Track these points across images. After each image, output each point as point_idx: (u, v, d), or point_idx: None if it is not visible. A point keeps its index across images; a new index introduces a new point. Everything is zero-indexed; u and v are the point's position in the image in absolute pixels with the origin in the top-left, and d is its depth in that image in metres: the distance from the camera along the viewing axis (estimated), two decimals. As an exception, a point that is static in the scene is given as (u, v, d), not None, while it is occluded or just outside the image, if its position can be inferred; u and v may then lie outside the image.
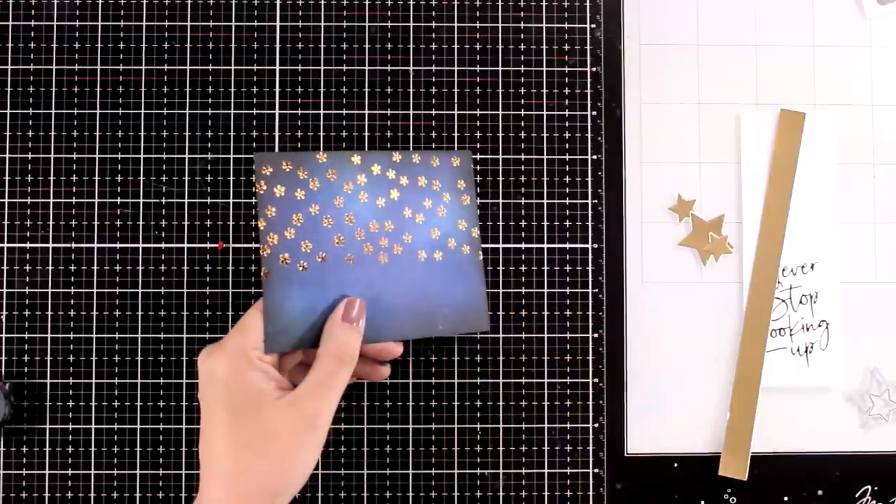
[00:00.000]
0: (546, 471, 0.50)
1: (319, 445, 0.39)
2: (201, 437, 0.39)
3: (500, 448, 0.50)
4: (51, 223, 0.50)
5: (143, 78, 0.50)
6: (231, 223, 0.50)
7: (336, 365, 0.40)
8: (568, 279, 0.50)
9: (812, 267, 0.50)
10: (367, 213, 0.43)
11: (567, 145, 0.51)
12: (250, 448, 0.38)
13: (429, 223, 0.45)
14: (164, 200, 0.50)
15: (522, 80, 0.51)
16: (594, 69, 0.51)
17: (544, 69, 0.51)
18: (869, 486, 0.50)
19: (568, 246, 0.50)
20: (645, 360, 0.50)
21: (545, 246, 0.50)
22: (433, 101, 0.51)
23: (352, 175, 0.43)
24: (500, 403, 0.50)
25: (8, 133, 0.50)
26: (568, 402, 0.50)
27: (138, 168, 0.50)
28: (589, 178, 0.51)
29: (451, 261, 0.45)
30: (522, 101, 0.51)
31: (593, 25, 0.51)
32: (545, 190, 0.50)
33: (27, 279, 0.50)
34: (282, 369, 0.42)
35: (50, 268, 0.50)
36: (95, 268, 0.50)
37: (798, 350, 0.50)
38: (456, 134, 0.50)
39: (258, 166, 0.41)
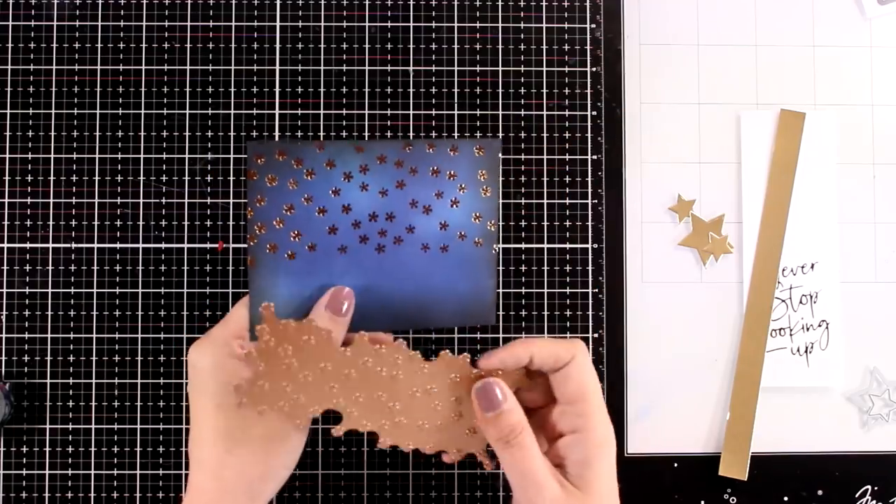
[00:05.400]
0: (546, 471, 0.49)
1: (303, 436, 0.39)
2: (191, 429, 0.39)
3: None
4: (51, 223, 0.50)
5: (143, 78, 0.50)
6: (231, 223, 0.50)
7: None
8: (568, 279, 0.50)
9: (812, 267, 0.50)
10: (366, 204, 0.43)
11: (567, 145, 0.51)
12: (233, 437, 0.38)
13: (437, 215, 0.44)
14: (164, 200, 0.50)
15: (522, 80, 0.51)
16: (594, 69, 0.51)
17: (544, 69, 0.51)
18: (869, 486, 0.50)
19: (568, 246, 0.50)
20: (645, 360, 0.50)
21: (545, 246, 0.50)
22: (433, 101, 0.51)
23: (353, 165, 0.43)
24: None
25: (8, 133, 0.50)
26: (568, 402, 0.50)
27: (138, 168, 0.50)
28: (589, 178, 0.51)
29: (458, 253, 0.44)
30: (522, 101, 0.51)
31: (593, 25, 0.51)
32: (545, 190, 0.50)
33: (27, 279, 0.50)
34: None
35: (50, 268, 0.50)
36: (95, 268, 0.50)
37: (798, 350, 0.50)
38: (456, 134, 0.50)
39: (250, 155, 0.41)
